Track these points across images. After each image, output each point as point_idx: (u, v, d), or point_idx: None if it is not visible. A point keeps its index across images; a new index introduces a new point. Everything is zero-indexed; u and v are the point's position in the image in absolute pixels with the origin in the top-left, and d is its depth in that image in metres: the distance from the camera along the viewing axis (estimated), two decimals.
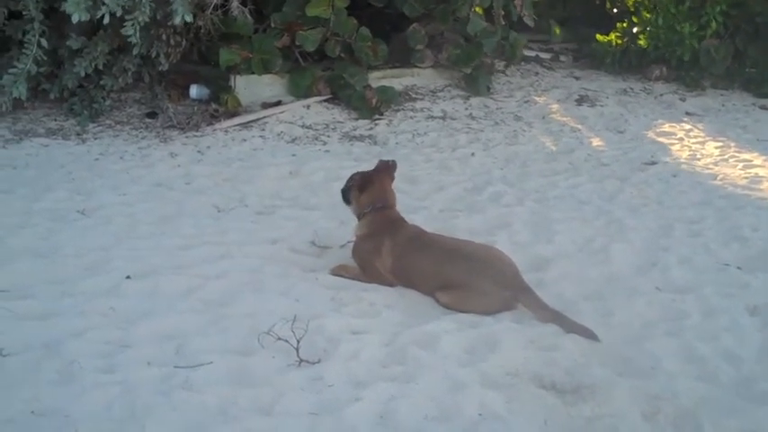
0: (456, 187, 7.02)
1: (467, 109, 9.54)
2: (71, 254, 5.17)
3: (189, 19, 7.55)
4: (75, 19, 7.24)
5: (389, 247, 5.01)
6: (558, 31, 12.22)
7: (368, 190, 5.21)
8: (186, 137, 7.96)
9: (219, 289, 4.81)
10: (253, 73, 8.93)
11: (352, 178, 5.33)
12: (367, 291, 4.88)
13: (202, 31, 8.58)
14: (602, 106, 10.05)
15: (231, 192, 6.62)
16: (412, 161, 7.64)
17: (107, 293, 4.67)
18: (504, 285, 4.74)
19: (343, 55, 9.30)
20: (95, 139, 7.81)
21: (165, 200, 6.34)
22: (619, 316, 4.75)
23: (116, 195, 6.34)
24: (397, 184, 5.63)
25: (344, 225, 5.55)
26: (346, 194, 5.33)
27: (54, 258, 5.10)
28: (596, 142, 8.68)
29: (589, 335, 4.45)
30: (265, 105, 8.88)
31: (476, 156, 7.97)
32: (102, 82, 8.39)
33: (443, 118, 9.14)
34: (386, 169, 5.34)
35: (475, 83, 10.00)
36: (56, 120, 8.23)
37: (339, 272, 5.14)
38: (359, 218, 5.25)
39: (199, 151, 7.62)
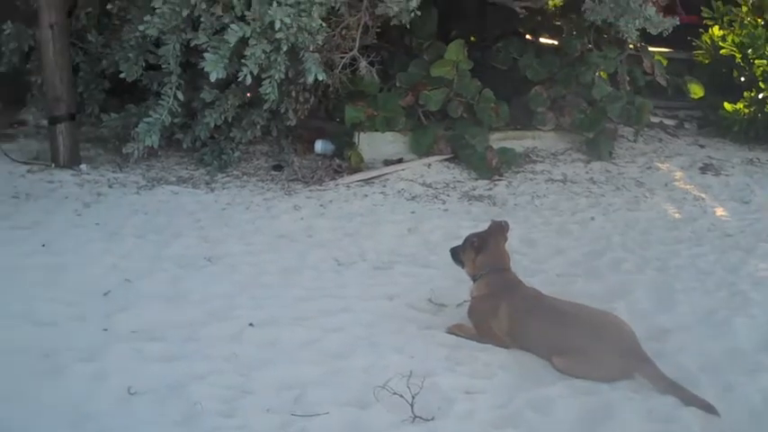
0: (574, 251, 6.98)
1: (587, 173, 9.49)
2: (197, 299, 5.38)
3: (322, 78, 7.79)
4: (213, 77, 7.56)
5: (507, 309, 5.03)
6: (696, 89, 11.99)
7: (484, 252, 5.25)
8: (310, 190, 8.17)
9: (337, 341, 4.93)
10: (376, 130, 9.12)
11: (468, 240, 5.38)
12: (482, 351, 4.90)
13: (330, 88, 8.83)
14: (727, 175, 9.84)
15: (351, 246, 6.75)
16: (530, 223, 7.65)
17: (230, 340, 4.84)
18: (623, 353, 4.69)
19: (465, 115, 9.42)
20: (223, 189, 8.09)
21: (287, 251, 6.52)
22: (739, 391, 4.62)
23: (241, 245, 6.55)
24: (515, 246, 5.68)
25: (461, 284, 5.58)
26: (457, 255, 5.40)
27: (181, 303, 5.31)
28: (720, 212, 8.50)
29: (709, 409, 4.35)
30: (387, 162, 9.04)
31: (596, 220, 7.91)
32: (231, 134, 8.71)
33: (563, 181, 9.12)
34: (500, 230, 5.37)
35: (597, 147, 9.95)
36: (187, 169, 8.57)
37: (455, 331, 5.18)
38: (474, 279, 5.29)
39: (321, 205, 7.80)
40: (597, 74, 10.13)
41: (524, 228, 7.36)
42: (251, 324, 5.02)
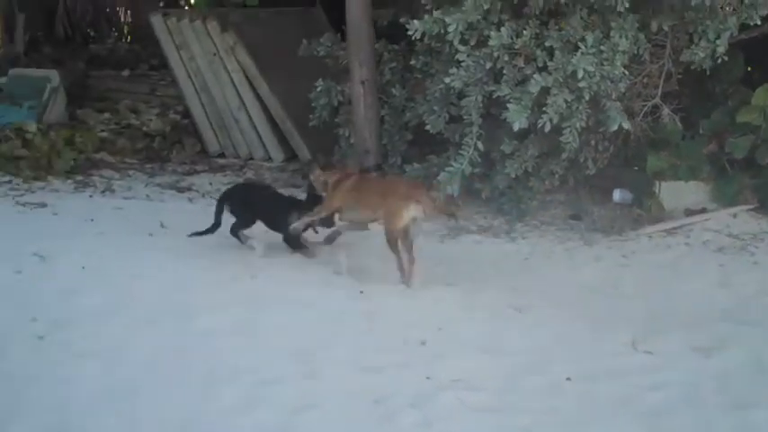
0: None
1: None
2: (512, 350, 5.47)
3: (627, 126, 7.72)
4: (515, 127, 7.68)
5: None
6: None
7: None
8: (610, 240, 8.06)
9: (656, 401, 4.82)
10: (679, 179, 8.86)
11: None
12: None
13: (631, 137, 8.70)
14: None
15: (660, 300, 6.59)
16: None
17: (548, 393, 4.88)
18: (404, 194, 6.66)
19: None
20: (523, 238, 8.17)
21: (595, 303, 6.48)
22: None
23: (548, 295, 6.56)
24: None
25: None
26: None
27: (496, 353, 5.41)
28: None
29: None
30: (688, 212, 8.75)
31: None
32: (529, 184, 8.77)
33: None
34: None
35: None
36: (486, 218, 8.73)
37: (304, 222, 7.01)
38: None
39: (623, 256, 7.67)
40: None
41: None
42: (568, 378, 5.02)
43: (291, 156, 10.95)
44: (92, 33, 15.68)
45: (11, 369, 4.93)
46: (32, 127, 10.40)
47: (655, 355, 5.42)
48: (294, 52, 10.03)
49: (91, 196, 9.15)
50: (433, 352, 5.38)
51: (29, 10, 13.98)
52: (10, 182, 9.32)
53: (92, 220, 8.00)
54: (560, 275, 7.13)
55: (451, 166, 8.29)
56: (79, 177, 9.81)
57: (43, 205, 8.47)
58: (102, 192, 9.34)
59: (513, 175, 8.58)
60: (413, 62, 9.26)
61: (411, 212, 6.52)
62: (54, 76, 11.44)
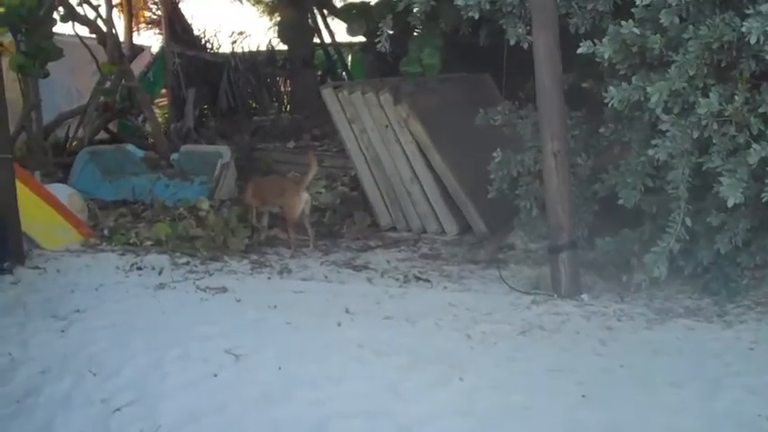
0: None
1: None
2: None
3: None
4: (730, 203, 7.01)
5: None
6: None
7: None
8: None
9: None
10: None
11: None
12: None
13: None
14: None
15: None
16: None
17: None
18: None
19: None
20: (740, 323, 7.35)
21: None
22: None
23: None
24: None
25: None
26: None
27: None
28: None
29: None
30: None
31: None
32: (738, 259, 8.02)
33: None
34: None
35: None
36: (690, 297, 8.00)
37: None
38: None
39: None
40: None
41: None
42: None
43: (466, 228, 10.50)
44: (254, 105, 15.77)
45: None
46: (205, 204, 10.35)
47: None
48: (464, 120, 9.70)
49: (269, 278, 8.88)
50: None
51: (195, 85, 14.11)
52: (188, 263, 9.16)
53: (275, 306, 7.69)
54: None
55: (657, 244, 7.64)
56: (254, 256, 9.62)
57: (224, 290, 8.21)
58: (279, 272, 9.06)
59: (723, 251, 7.86)
60: (601, 130, 8.71)
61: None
62: (225, 151, 11.39)
